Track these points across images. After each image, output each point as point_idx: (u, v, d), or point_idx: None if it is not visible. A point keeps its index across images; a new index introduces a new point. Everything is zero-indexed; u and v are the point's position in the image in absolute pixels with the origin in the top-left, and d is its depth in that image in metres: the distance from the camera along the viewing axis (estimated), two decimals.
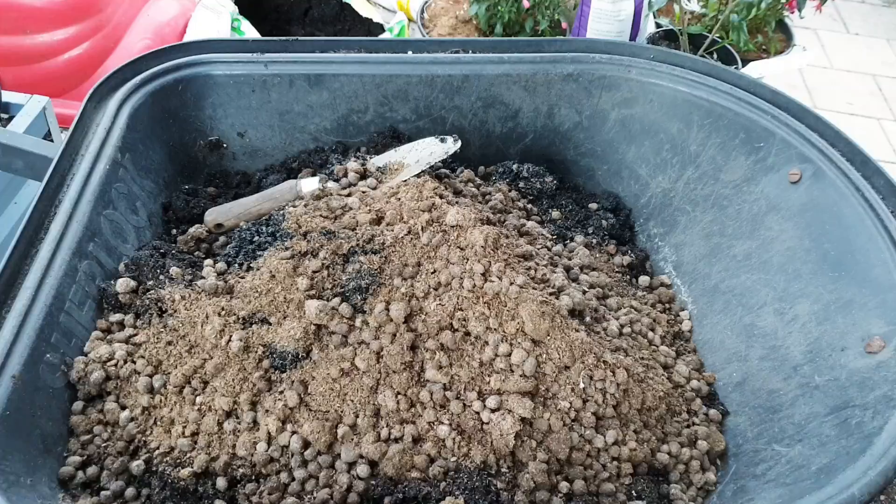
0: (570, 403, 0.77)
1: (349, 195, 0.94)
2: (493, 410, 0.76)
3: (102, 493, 0.69)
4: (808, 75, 2.49)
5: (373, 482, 0.72)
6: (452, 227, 0.86)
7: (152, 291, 0.84)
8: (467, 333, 0.80)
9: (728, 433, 0.85)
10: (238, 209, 0.96)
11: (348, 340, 0.79)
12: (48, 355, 0.73)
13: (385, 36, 2.08)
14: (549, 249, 0.98)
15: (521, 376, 0.77)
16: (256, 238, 0.90)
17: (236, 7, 2.00)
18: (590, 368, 0.79)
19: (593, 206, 1.10)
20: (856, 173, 0.86)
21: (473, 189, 1.02)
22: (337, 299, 0.81)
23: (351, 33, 2.15)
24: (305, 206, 0.92)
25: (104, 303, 0.83)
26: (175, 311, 0.82)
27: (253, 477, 0.73)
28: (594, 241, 1.04)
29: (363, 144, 1.08)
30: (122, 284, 0.83)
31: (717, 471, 0.82)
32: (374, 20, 2.16)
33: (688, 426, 0.85)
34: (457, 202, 0.93)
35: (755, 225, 0.95)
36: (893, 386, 0.72)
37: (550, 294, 0.84)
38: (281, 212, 0.93)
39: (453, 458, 0.74)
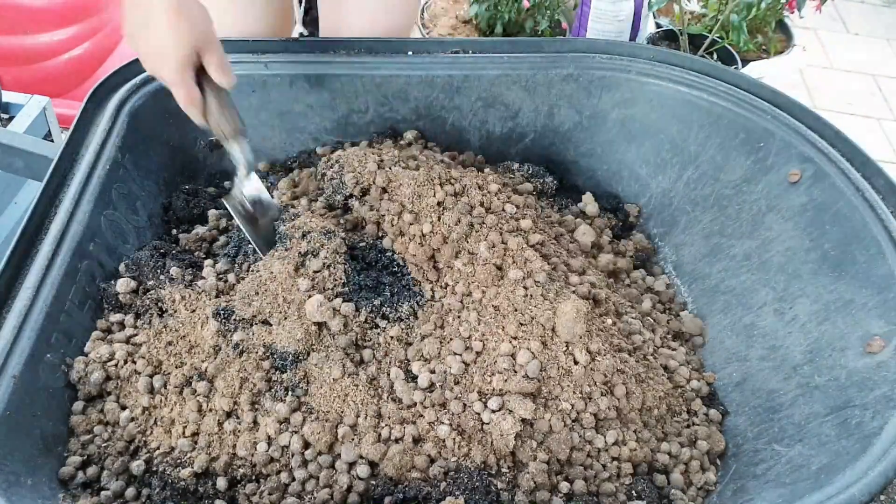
0: (572, 405, 0.77)
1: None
2: (493, 411, 0.76)
3: (103, 493, 0.69)
4: (808, 75, 2.49)
5: (373, 482, 0.72)
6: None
7: (152, 292, 0.84)
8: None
9: (728, 433, 0.85)
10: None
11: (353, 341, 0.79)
12: (48, 355, 0.73)
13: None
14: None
15: (523, 377, 0.76)
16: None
17: None
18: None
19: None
20: (856, 173, 0.86)
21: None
22: (339, 300, 0.81)
23: None
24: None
25: (104, 303, 0.83)
26: (175, 312, 0.82)
27: (253, 477, 0.73)
28: None
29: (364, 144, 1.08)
30: (123, 284, 0.83)
31: (716, 471, 0.82)
32: None
33: (688, 426, 0.85)
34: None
35: (755, 225, 0.95)
36: (893, 386, 0.72)
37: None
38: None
39: (454, 459, 0.74)
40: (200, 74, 0.79)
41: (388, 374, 0.78)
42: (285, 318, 0.80)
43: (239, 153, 0.85)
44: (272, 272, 0.82)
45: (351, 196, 0.93)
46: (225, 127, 0.82)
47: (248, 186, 0.89)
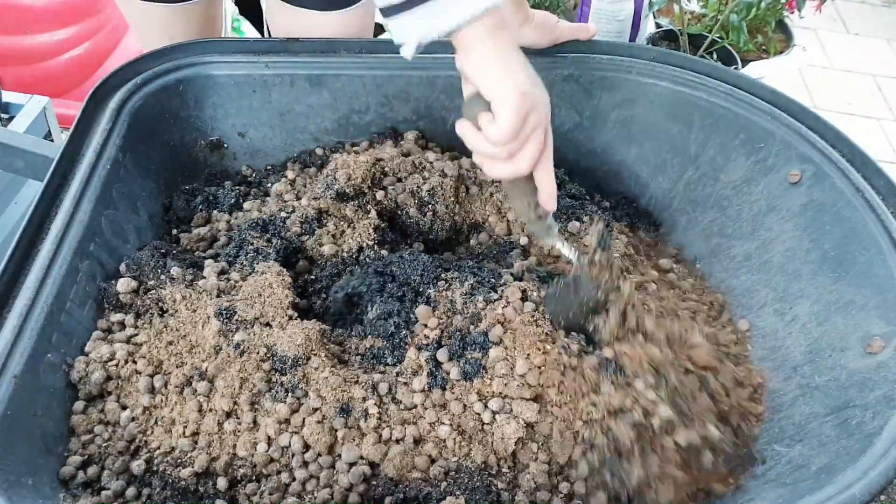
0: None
1: None
2: (495, 412, 0.75)
3: (103, 492, 0.69)
4: (808, 75, 2.49)
5: (373, 482, 0.72)
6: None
7: (153, 291, 0.84)
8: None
9: None
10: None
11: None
12: (49, 355, 0.73)
13: (385, 36, 2.08)
14: None
15: (521, 377, 0.76)
16: (256, 242, 0.91)
17: (236, 7, 2.00)
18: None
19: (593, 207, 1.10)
20: (856, 174, 0.86)
21: None
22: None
23: None
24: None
25: (105, 303, 0.83)
26: (176, 311, 0.82)
27: (254, 477, 0.73)
28: None
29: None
30: (123, 284, 0.83)
31: None
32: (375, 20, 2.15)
33: None
34: None
35: (755, 225, 0.95)
36: (893, 386, 0.72)
37: None
38: (282, 214, 0.94)
39: (454, 459, 0.74)
40: None
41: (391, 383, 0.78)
42: (289, 320, 0.80)
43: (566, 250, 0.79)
44: (276, 273, 0.83)
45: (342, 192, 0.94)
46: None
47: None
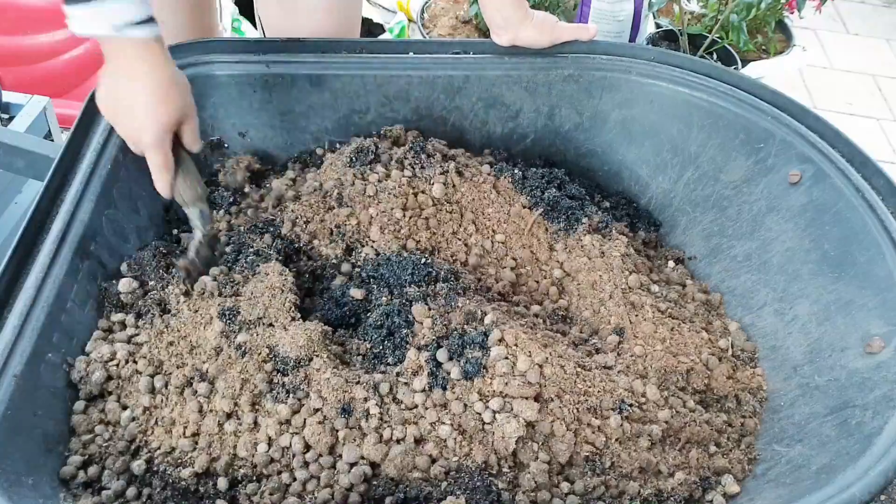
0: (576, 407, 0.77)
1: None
2: (495, 412, 0.75)
3: (104, 492, 0.69)
4: (807, 75, 2.49)
5: (374, 482, 0.72)
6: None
7: (154, 291, 0.84)
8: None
9: None
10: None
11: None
12: (49, 355, 0.73)
13: (385, 36, 2.08)
14: None
15: (522, 374, 0.76)
16: (256, 244, 0.91)
17: (236, 7, 2.00)
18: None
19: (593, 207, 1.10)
20: (856, 174, 0.87)
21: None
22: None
23: None
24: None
25: (106, 302, 0.83)
26: (177, 312, 0.82)
27: (254, 477, 0.73)
28: None
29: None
30: (125, 284, 0.83)
31: None
32: (374, 20, 2.16)
33: None
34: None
35: (755, 226, 0.95)
36: (893, 386, 0.72)
37: None
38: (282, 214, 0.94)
39: (455, 459, 0.73)
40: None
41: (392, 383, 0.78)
42: (291, 321, 0.80)
43: (197, 219, 0.87)
44: (278, 272, 0.83)
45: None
46: (186, 193, 0.85)
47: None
